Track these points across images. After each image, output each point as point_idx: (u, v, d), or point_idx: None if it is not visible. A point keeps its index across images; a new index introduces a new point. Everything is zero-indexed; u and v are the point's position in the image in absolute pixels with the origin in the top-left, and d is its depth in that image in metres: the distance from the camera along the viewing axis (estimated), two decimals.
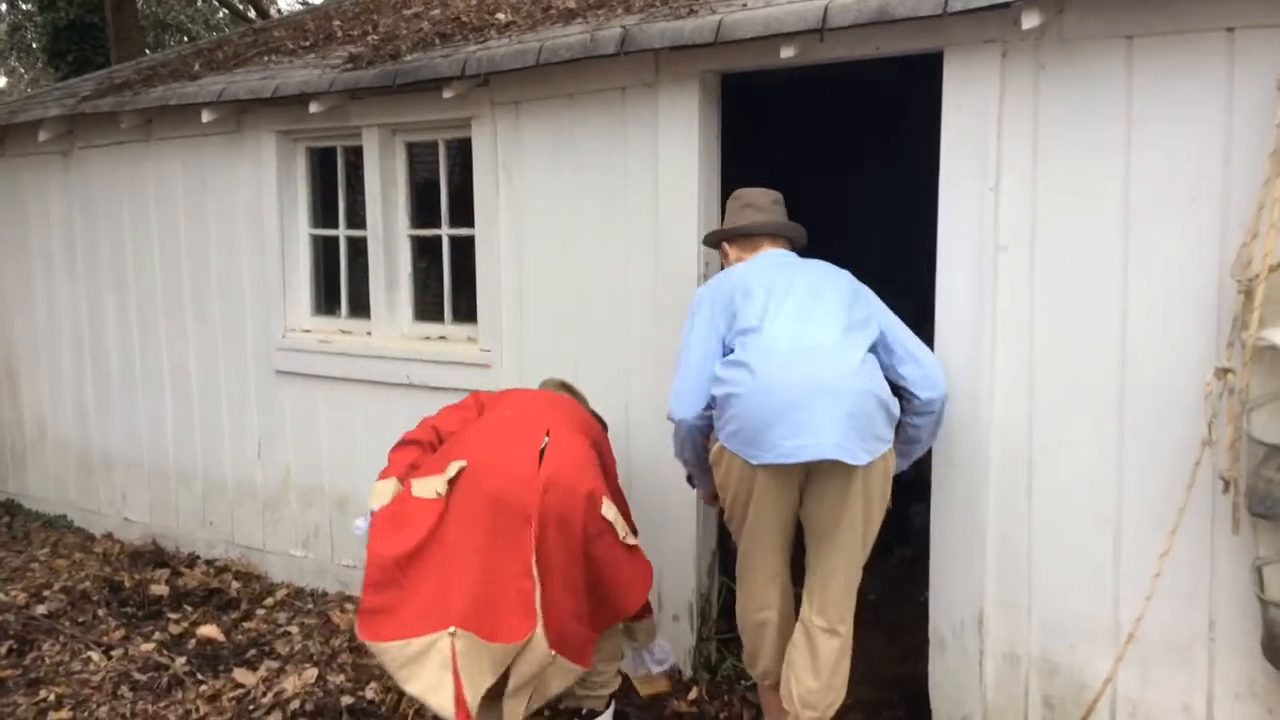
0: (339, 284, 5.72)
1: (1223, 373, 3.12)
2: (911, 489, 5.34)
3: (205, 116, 5.58)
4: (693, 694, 4.26)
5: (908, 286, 4.53)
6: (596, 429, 4.05)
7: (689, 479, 3.96)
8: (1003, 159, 3.55)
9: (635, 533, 3.76)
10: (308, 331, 5.71)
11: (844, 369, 3.34)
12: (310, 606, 5.46)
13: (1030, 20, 3.28)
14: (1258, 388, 3.09)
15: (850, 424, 3.28)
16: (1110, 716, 3.50)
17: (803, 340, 3.38)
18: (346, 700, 4.36)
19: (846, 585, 3.54)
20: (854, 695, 4.29)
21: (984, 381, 3.64)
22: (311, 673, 4.59)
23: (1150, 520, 3.37)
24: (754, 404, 3.32)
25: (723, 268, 3.87)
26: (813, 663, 3.53)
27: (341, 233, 5.65)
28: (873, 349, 3.46)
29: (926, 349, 3.61)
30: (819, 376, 3.30)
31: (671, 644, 4.43)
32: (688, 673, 4.40)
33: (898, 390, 3.50)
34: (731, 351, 3.48)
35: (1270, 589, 3.11)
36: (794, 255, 3.79)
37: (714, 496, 3.71)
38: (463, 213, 5.06)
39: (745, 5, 3.97)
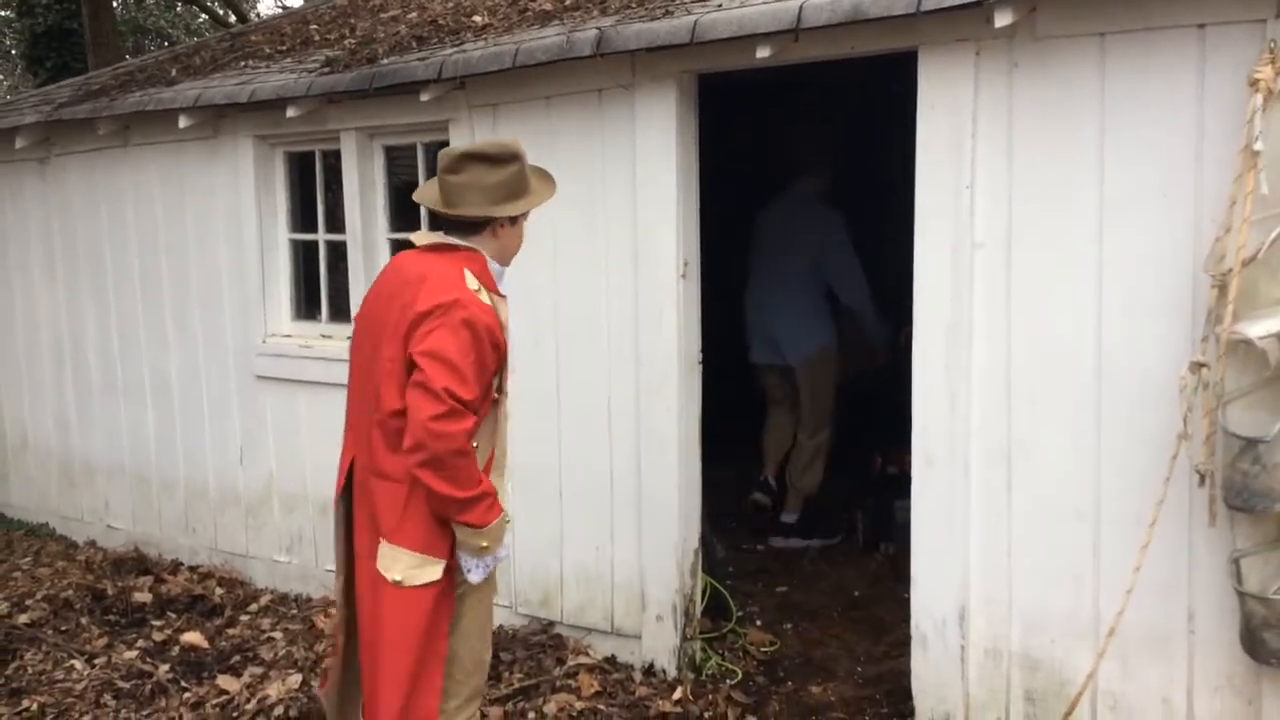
0: (319, 288, 5.71)
1: (1197, 366, 3.13)
2: (895, 485, 5.38)
3: (182, 122, 5.56)
4: (677, 694, 4.26)
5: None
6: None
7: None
8: (977, 157, 3.56)
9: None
10: (288, 337, 5.70)
11: None
12: (294, 612, 5.44)
13: (1003, 19, 3.29)
14: (1232, 381, 3.11)
15: None
16: (1091, 710, 3.51)
17: None
18: None
19: None
20: (837, 693, 4.34)
21: (962, 379, 3.65)
22: (295, 678, 4.56)
23: (1129, 514, 3.39)
24: None
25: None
26: None
27: (321, 237, 5.64)
28: None
29: None
30: None
31: (656, 645, 4.44)
32: (672, 673, 4.40)
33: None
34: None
35: (1248, 581, 3.14)
36: None
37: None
38: None
39: (721, 6, 3.97)
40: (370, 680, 3.10)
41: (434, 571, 3.01)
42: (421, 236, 3.26)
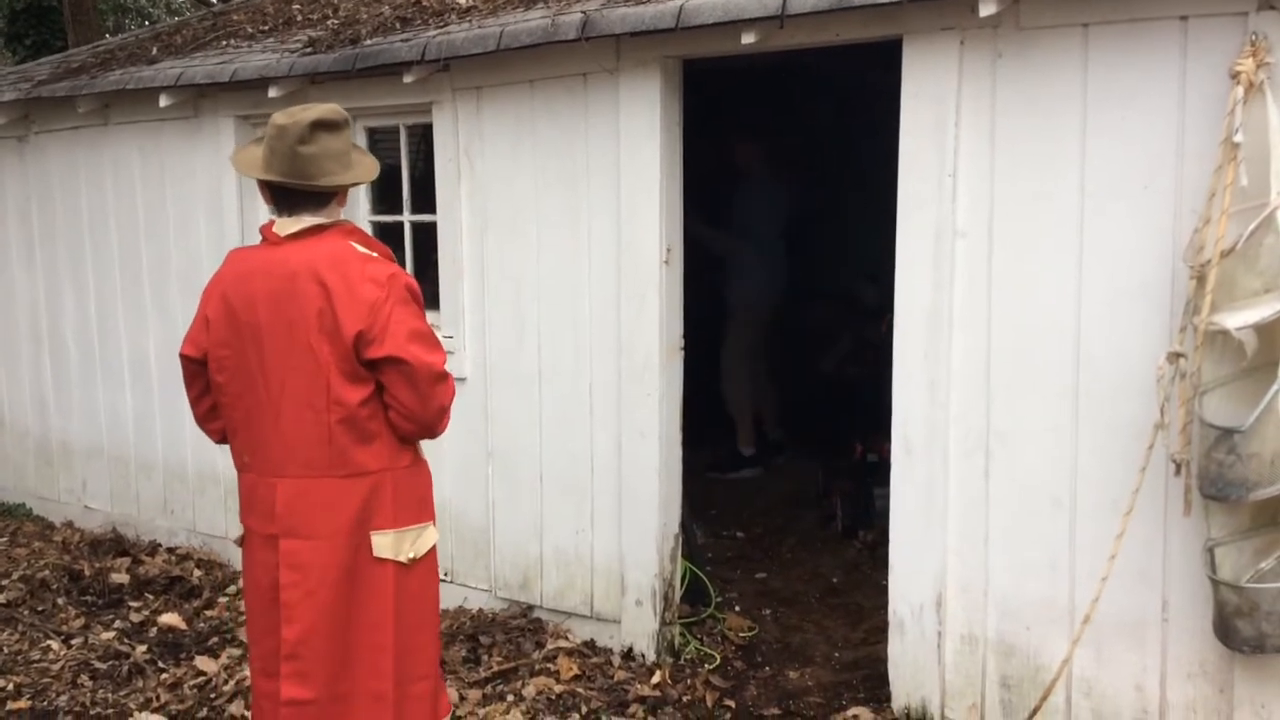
0: None
1: (1175, 357, 3.16)
2: (874, 473, 5.40)
3: (163, 101, 5.52)
4: (656, 678, 4.28)
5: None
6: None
7: None
8: (960, 146, 3.58)
9: None
10: None
11: None
12: None
13: (987, 8, 3.29)
14: (1209, 371, 3.14)
15: None
16: (1066, 696, 3.55)
17: None
18: None
19: None
20: (814, 678, 4.36)
21: (941, 367, 3.67)
22: None
23: (1105, 503, 3.41)
24: None
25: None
26: None
27: None
28: None
29: None
30: None
31: (635, 629, 4.46)
32: (651, 657, 4.42)
33: None
34: None
35: (1222, 569, 3.17)
36: None
37: None
38: (425, 198, 5.03)
39: None
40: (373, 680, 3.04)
41: (433, 532, 3.11)
42: (285, 225, 3.03)
